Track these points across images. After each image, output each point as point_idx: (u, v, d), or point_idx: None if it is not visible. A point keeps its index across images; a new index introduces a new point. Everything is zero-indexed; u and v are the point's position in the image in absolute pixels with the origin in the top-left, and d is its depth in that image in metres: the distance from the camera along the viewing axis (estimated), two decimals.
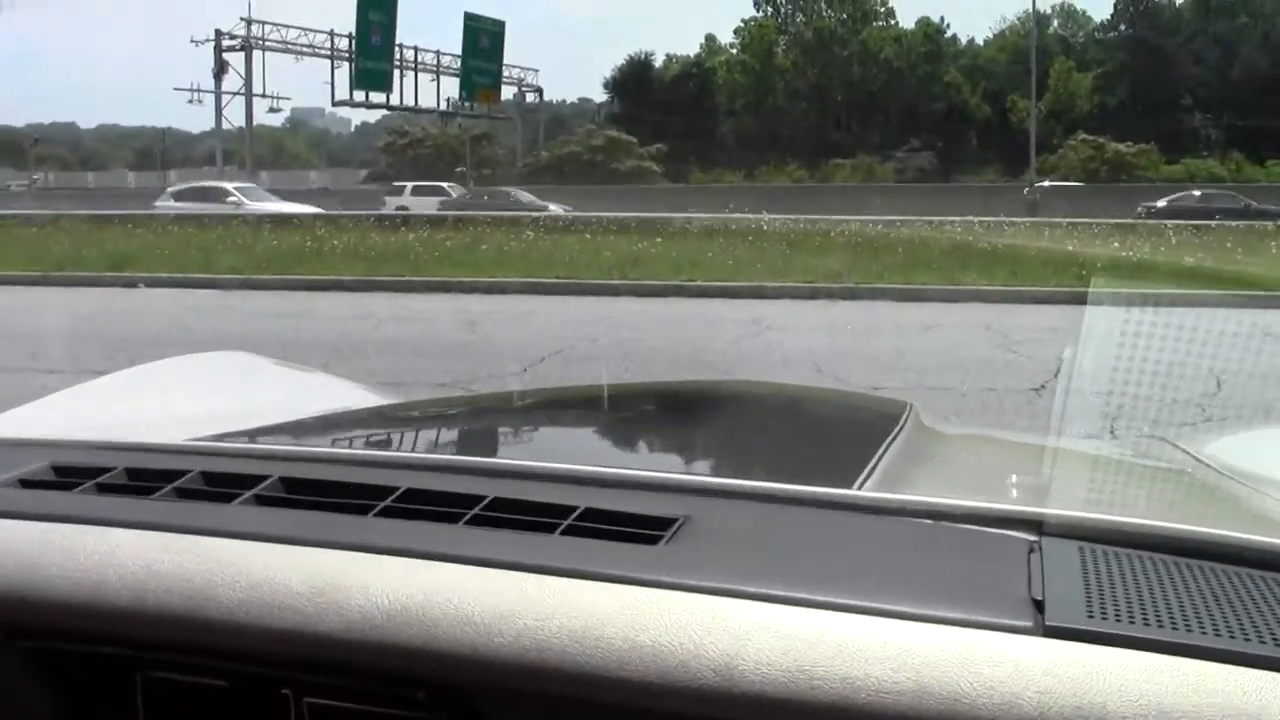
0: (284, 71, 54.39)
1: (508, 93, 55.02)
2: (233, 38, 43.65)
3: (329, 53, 45.72)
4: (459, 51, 49.74)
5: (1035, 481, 1.50)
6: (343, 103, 47.48)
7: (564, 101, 78.57)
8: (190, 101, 46.41)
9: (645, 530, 0.98)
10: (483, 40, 50.37)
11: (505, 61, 52.63)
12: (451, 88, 50.95)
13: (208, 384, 2.03)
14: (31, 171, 69.58)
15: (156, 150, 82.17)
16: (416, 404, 2.52)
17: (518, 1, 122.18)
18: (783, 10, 69.11)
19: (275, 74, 49.61)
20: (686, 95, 61.08)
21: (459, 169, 48.22)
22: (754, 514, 1.05)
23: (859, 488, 1.15)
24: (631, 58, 66.21)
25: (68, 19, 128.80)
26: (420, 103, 50.44)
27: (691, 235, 18.84)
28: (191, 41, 43.96)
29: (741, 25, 68.45)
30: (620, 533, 0.97)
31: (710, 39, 70.70)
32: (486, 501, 1.03)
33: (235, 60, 44.09)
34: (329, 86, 45.86)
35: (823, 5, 67.18)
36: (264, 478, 1.11)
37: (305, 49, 45.72)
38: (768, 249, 16.32)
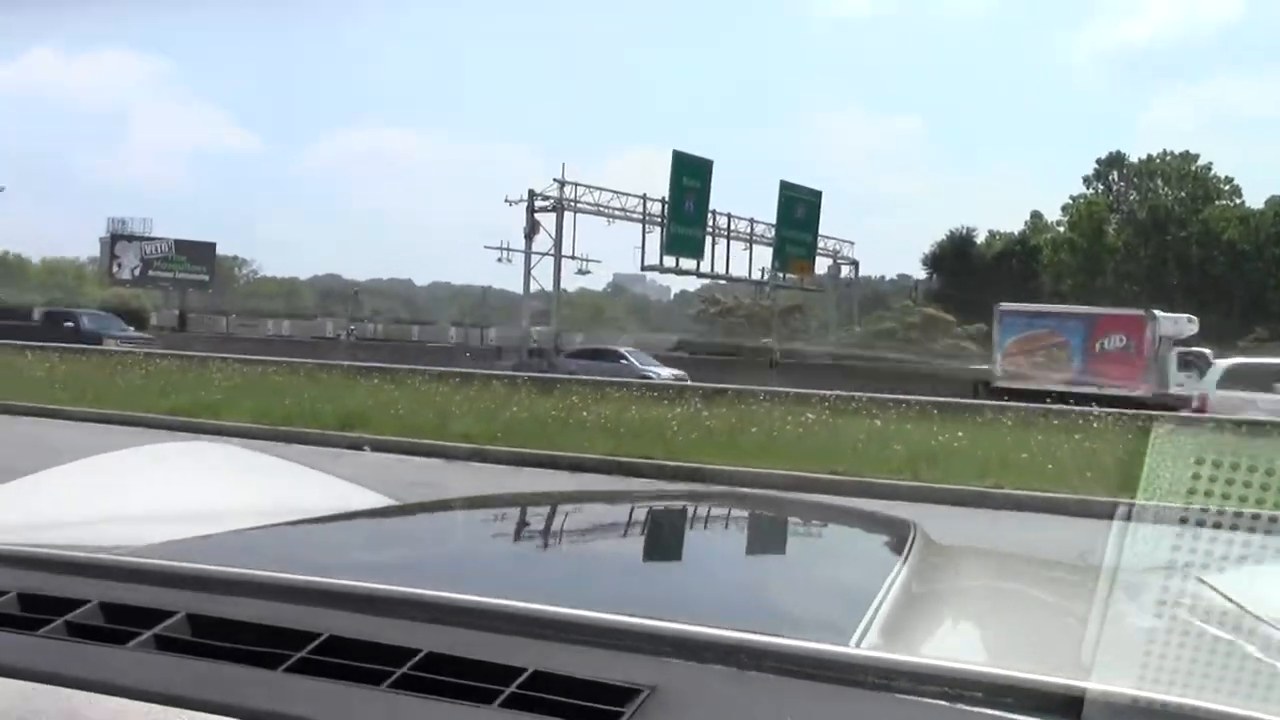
0: (595, 234, 55.21)
1: (822, 264, 53.47)
2: (545, 198, 44.22)
3: (641, 216, 45.60)
4: (773, 220, 48.64)
5: (1061, 633, 1.34)
6: (653, 268, 47.14)
7: (880, 277, 76.46)
8: (499, 260, 46.93)
9: (602, 705, 0.88)
10: (798, 210, 49.22)
11: (821, 232, 51.20)
12: (765, 257, 49.92)
13: (176, 477, 1.98)
14: (351, 320, 73.29)
15: (478, 307, 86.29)
16: (384, 511, 2.06)
17: (835, 172, 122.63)
18: (1115, 187, 65.52)
19: (586, 236, 50.64)
20: (1009, 273, 58.05)
21: (764, 340, 46.76)
22: (733, 684, 0.93)
23: (860, 641, 1.04)
24: (952, 233, 64.03)
25: (407, 179, 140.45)
26: (732, 270, 49.56)
27: (1004, 425, 15.77)
28: (505, 201, 44.79)
29: (1070, 202, 65.36)
30: (572, 706, 0.88)
31: (1036, 215, 67.93)
32: (418, 658, 0.93)
33: (547, 221, 44.62)
34: (639, 251, 45.59)
35: (1159, 182, 63.01)
36: (170, 613, 1.02)
37: (617, 212, 45.76)
38: (1110, 449, 12.87)
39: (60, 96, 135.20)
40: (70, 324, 38.52)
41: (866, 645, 1.04)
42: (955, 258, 61.69)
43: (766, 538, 1.93)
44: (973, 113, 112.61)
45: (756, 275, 50.92)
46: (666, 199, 44.60)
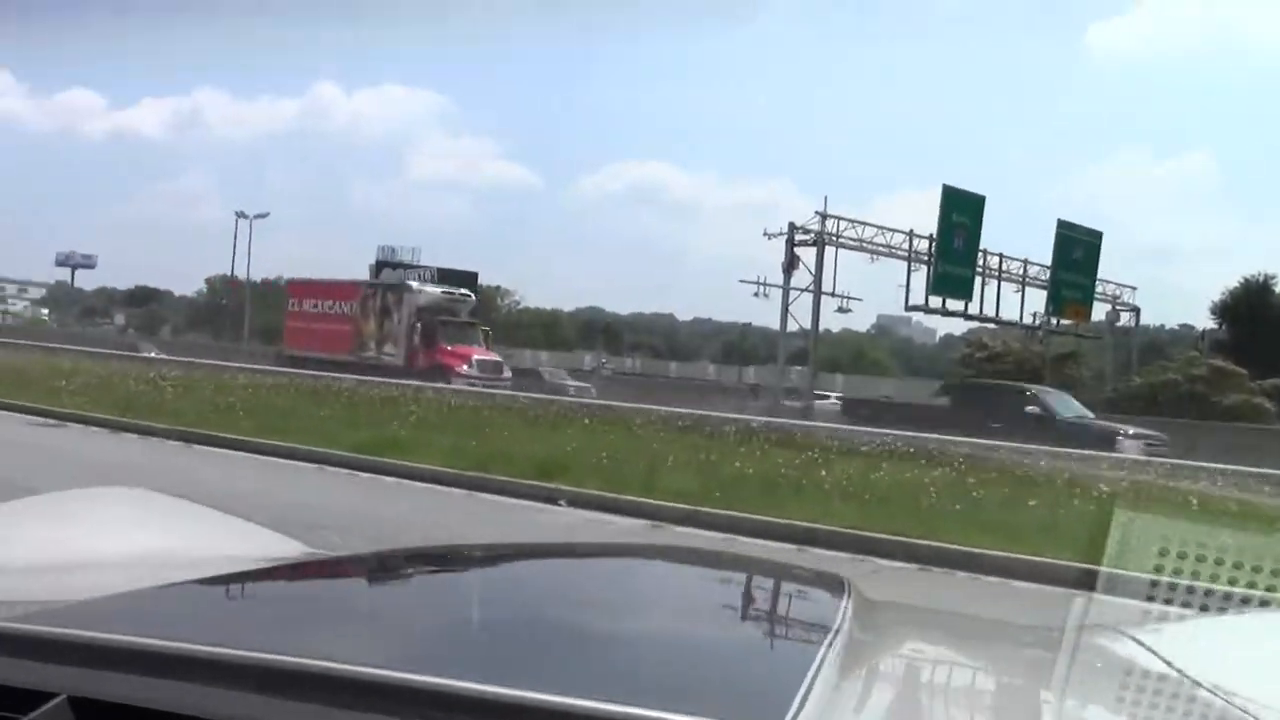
0: (856, 271, 52.34)
1: (1099, 310, 48.78)
2: (805, 231, 41.99)
3: (906, 254, 42.59)
4: (1048, 261, 44.61)
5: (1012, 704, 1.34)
6: (917, 307, 44.03)
7: (1160, 326, 69.78)
8: (756, 295, 44.94)
9: None
10: (1076, 251, 44.97)
11: (1099, 276, 46.70)
12: (1037, 300, 45.84)
13: (95, 525, 1.91)
14: (605, 354, 73.26)
15: (739, 344, 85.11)
16: (309, 564, 1.93)
17: (1116, 213, 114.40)
18: None
19: (847, 273, 47.95)
20: None
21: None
22: None
23: None
24: (1247, 280, 57.34)
25: (671, 213, 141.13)
26: (1001, 313, 45.70)
27: None
28: (765, 235, 42.89)
29: None
30: None
31: None
32: None
33: (807, 256, 42.33)
34: (904, 290, 42.58)
35: None
36: (48, 696, 0.94)
37: (881, 248, 42.86)
38: None
39: (339, 129, 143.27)
40: None
41: None
42: (1249, 308, 55.18)
43: (684, 601, 1.73)
44: (1269, 152, 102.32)
45: (1028, 319, 46.93)
46: (934, 236, 41.53)
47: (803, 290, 42.67)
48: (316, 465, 13.22)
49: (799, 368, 44.51)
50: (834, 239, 42.03)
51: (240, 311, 74.97)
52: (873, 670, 1.32)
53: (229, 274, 76.93)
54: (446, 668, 1.00)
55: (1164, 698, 1.37)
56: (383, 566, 2.00)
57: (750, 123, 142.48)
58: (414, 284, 45.35)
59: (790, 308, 42.84)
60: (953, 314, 45.13)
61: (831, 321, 47.74)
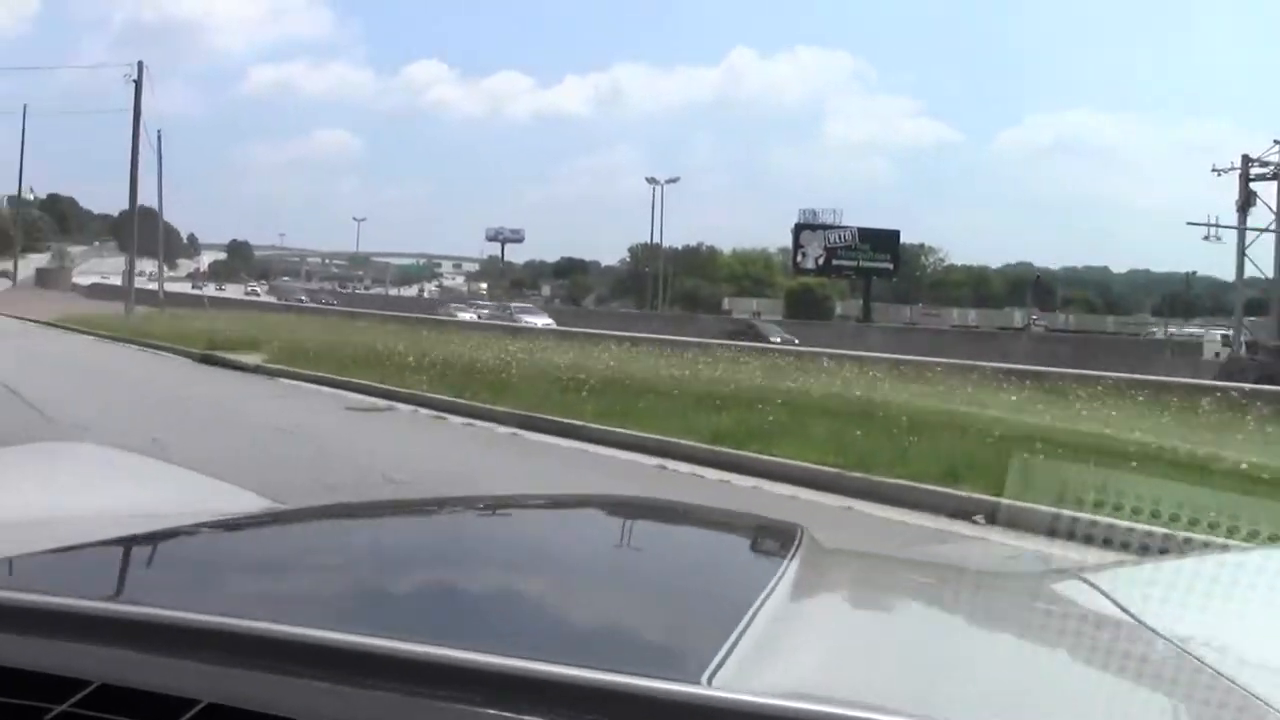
0: None
1: None
2: (1263, 164, 35.56)
3: None
4: None
5: (955, 655, 1.22)
6: None
7: None
8: (1206, 238, 38.55)
9: None
10: None
11: None
12: None
13: (44, 482, 1.94)
14: (1037, 310, 68.13)
15: (1180, 296, 76.55)
16: (245, 519, 1.82)
17: None
18: None
19: None
20: None
21: None
22: None
23: (713, 676, 0.89)
24: None
25: (1101, 162, 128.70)
26: None
27: None
28: (1213, 171, 36.77)
29: None
30: None
31: None
32: (196, 711, 0.84)
33: (1265, 192, 35.78)
34: None
35: None
36: None
37: None
38: None
39: (755, 95, 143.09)
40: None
41: (720, 682, 0.88)
42: None
43: (625, 552, 1.68)
44: None
45: None
46: None
47: (1262, 230, 36.02)
48: (657, 461, 10.51)
49: (1254, 319, 39.49)
50: None
51: (659, 280, 76.06)
52: (811, 621, 1.24)
53: (648, 242, 78.44)
54: (360, 624, 0.96)
55: (1121, 645, 1.32)
56: (325, 519, 1.92)
57: (1179, 61, 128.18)
58: None
59: (1248, 251, 36.48)
60: None
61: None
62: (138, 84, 38.64)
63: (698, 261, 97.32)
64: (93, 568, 1.34)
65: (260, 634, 0.90)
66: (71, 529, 1.41)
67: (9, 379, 14.45)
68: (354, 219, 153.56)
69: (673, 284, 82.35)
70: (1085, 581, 1.59)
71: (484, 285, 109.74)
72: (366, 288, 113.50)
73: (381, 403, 14.64)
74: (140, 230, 41.18)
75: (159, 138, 40.68)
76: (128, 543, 1.43)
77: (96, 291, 56.31)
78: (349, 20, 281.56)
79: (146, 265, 45.24)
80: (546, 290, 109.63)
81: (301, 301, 59.98)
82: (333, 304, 58.54)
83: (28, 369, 17.28)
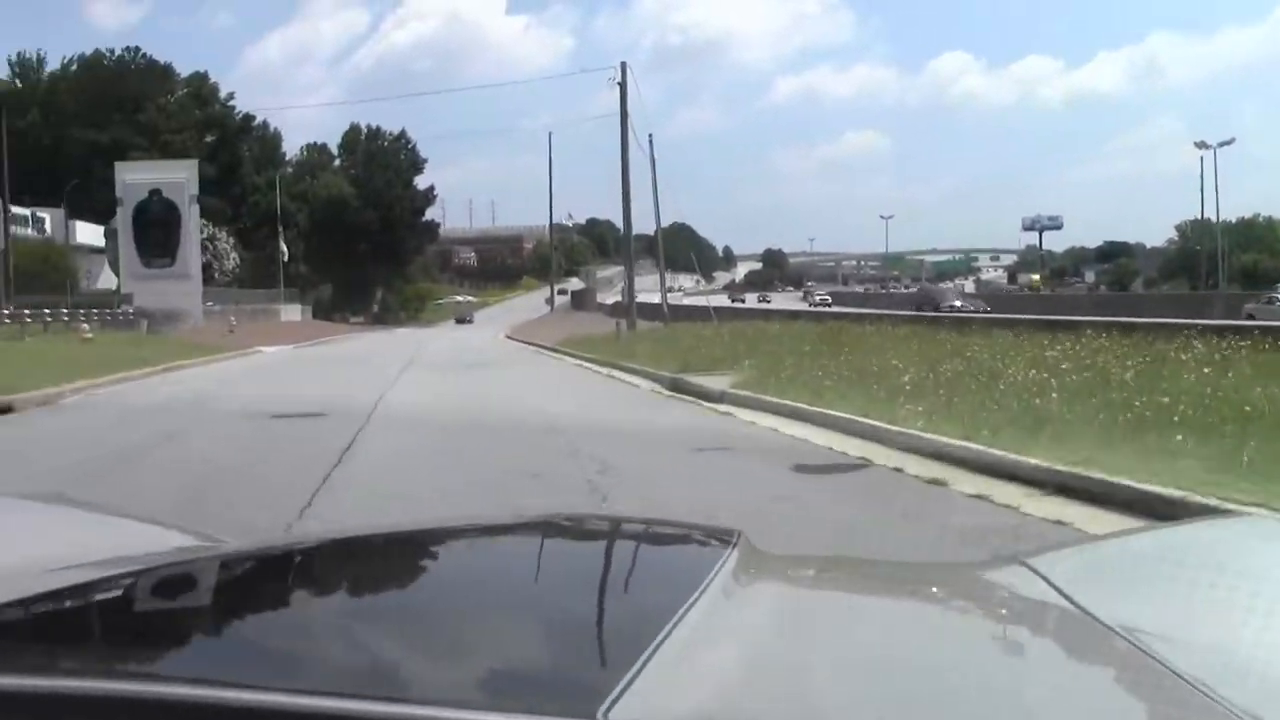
0: None
1: None
2: None
3: None
4: None
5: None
6: None
7: None
8: None
9: None
10: None
11: None
12: None
13: None
14: None
15: None
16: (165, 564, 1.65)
17: None
18: None
19: None
20: None
21: None
22: None
23: (610, 709, 0.85)
24: None
25: None
26: None
27: None
28: None
29: None
30: None
31: None
32: None
33: None
34: None
35: None
36: None
37: None
38: None
39: None
40: None
41: (617, 716, 0.85)
42: None
43: (541, 578, 1.55)
44: None
45: None
46: None
47: None
48: None
49: None
50: None
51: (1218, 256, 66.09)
52: (732, 639, 1.14)
53: (1198, 218, 68.13)
54: (258, 676, 0.95)
55: (1063, 633, 1.30)
56: (241, 562, 1.76)
57: None
58: None
59: None
60: None
61: None
62: (622, 86, 37.11)
63: (1254, 234, 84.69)
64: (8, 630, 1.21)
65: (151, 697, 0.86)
66: None
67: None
68: (881, 217, 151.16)
69: (1229, 260, 71.58)
70: (1027, 567, 1.53)
71: (1035, 276, 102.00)
72: (905, 287, 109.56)
73: (853, 451, 9.97)
74: (672, 245, 40.09)
75: (650, 141, 38.97)
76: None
77: (618, 310, 56.99)
78: (869, 20, 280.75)
79: (684, 280, 44.46)
80: (1090, 276, 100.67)
81: (826, 304, 57.73)
82: (827, 304, 55.77)
83: (439, 406, 15.17)
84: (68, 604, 1.33)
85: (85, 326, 31.33)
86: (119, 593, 1.45)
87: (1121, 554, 1.81)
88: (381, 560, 1.74)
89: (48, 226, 62.83)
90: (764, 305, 66.27)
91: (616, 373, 21.97)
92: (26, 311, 34.51)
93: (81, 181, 57.73)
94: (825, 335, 22.11)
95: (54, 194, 66.28)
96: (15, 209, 61.58)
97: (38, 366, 20.47)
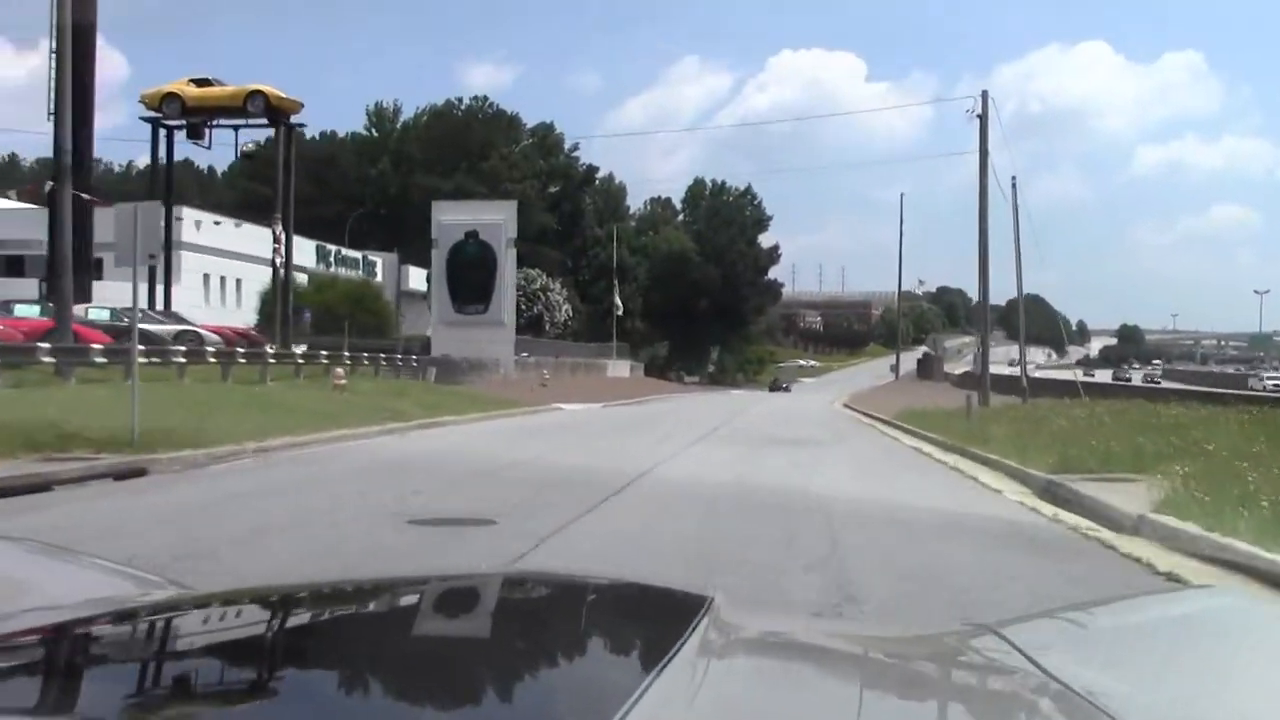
0: None
1: None
2: None
3: None
4: None
5: None
6: None
7: None
8: None
9: None
10: None
11: None
12: None
13: None
14: None
15: None
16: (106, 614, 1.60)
17: None
18: None
19: None
20: None
21: None
22: None
23: None
24: None
25: None
26: None
27: None
28: None
29: None
30: None
31: None
32: None
33: None
34: None
35: None
36: None
37: None
38: None
39: None
40: None
41: None
42: None
43: (493, 643, 1.48)
44: None
45: None
46: None
47: None
48: None
49: None
50: None
51: None
52: (707, 706, 1.13)
53: None
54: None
55: (1032, 700, 1.30)
56: (202, 609, 1.70)
57: None
58: None
59: None
60: None
61: None
62: (982, 118, 31.39)
63: None
64: None
65: None
66: None
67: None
68: (1255, 291, 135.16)
69: None
70: (997, 635, 1.54)
71: None
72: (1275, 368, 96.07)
73: None
74: (1031, 317, 34.45)
75: (1014, 186, 32.84)
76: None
77: (967, 381, 50.71)
78: (1237, 89, 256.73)
79: (1034, 354, 38.38)
80: None
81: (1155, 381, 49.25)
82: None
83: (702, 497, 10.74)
84: None
85: (339, 371, 27.35)
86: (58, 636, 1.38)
87: (1090, 622, 1.82)
88: (326, 617, 1.67)
89: (379, 270, 63.75)
90: (1087, 379, 57.69)
91: (964, 463, 16.24)
92: (298, 352, 32.07)
93: (421, 228, 58.07)
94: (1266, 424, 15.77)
95: (399, 240, 67.53)
96: (347, 251, 62.78)
97: (245, 416, 17.13)
